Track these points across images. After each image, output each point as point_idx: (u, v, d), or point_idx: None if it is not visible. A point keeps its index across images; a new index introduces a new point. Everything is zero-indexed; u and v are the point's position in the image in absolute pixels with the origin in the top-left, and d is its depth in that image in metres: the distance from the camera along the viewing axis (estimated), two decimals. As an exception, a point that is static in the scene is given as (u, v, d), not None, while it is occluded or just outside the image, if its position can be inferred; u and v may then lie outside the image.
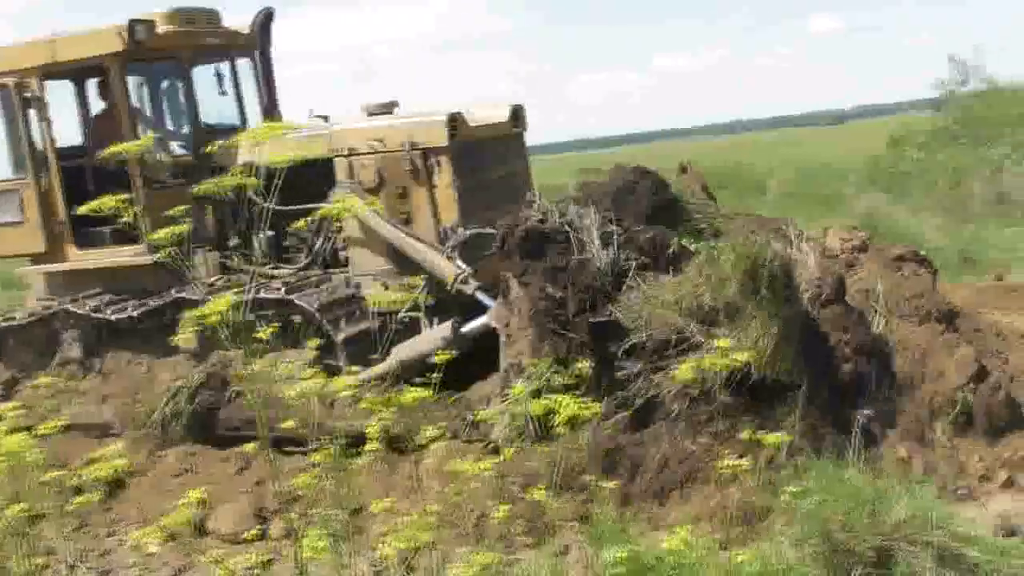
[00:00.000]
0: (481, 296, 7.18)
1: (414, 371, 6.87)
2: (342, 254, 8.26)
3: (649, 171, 7.59)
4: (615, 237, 6.69)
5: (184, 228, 4.21)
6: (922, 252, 7.63)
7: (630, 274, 6.55)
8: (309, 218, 6.61)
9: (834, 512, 3.87)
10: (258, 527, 5.90)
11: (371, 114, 8.34)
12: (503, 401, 6.19)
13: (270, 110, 9.70)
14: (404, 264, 7.68)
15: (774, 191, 20.43)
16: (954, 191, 18.02)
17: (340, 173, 8.01)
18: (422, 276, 7.31)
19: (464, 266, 7.34)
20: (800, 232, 7.38)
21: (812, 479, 4.19)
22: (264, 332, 4.52)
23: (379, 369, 6.99)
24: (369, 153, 7.95)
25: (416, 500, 5.66)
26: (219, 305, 3.65)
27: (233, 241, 8.61)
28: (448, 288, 7.27)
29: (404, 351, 7.06)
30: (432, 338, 7.03)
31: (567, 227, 6.73)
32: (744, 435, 4.88)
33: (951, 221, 15.34)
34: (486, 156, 8.17)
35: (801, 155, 27.39)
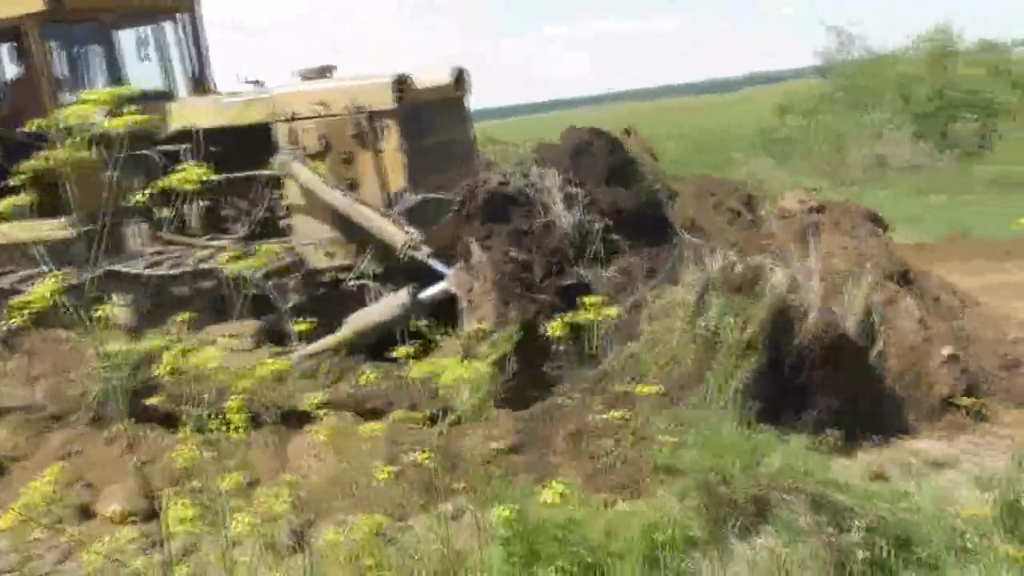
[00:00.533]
0: (433, 262, 7.01)
1: (370, 340, 6.83)
2: (283, 223, 7.92)
3: (603, 132, 7.42)
4: (578, 199, 6.58)
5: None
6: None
7: (595, 237, 6.46)
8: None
9: (713, 465, 3.98)
10: (145, 507, 5.79)
11: (306, 79, 8.03)
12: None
13: (199, 77, 9.20)
14: (350, 231, 7.47)
15: (665, 158, 20.79)
16: (835, 155, 18.60)
17: (281, 139, 7.66)
18: (370, 243, 7.23)
19: (414, 231, 7.13)
20: (758, 197, 7.70)
21: (691, 434, 4.28)
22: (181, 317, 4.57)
23: (332, 340, 6.83)
24: (312, 117, 7.63)
25: (304, 472, 5.67)
26: (42, 291, 3.45)
27: (164, 212, 8.13)
28: (398, 254, 7.08)
29: (359, 320, 6.92)
30: (389, 306, 6.86)
31: (530, 189, 6.57)
32: (619, 388, 4.99)
33: (831, 184, 15.84)
34: (431, 121, 7.89)
35: (696, 122, 27.86)
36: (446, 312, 6.58)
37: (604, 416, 5.12)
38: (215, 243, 7.90)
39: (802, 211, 7.56)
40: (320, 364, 6.68)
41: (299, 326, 6.42)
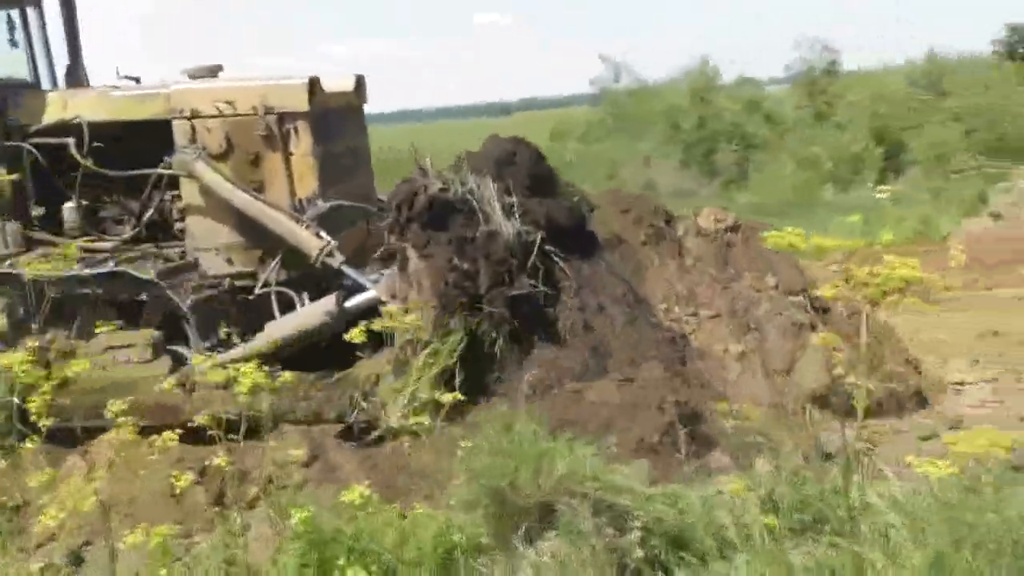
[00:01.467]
0: (348, 270, 6.80)
1: (290, 350, 6.52)
2: (178, 225, 7.47)
3: (526, 142, 7.32)
4: (515, 210, 6.44)
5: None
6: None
7: (534, 249, 6.34)
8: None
9: (503, 471, 4.11)
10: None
11: (195, 77, 7.60)
12: (397, 379, 5.90)
13: (73, 68, 8.48)
14: (254, 236, 7.10)
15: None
16: (609, 181, 19.45)
17: (180, 137, 7.24)
18: (277, 249, 6.96)
19: (329, 238, 6.84)
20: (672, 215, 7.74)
21: (483, 438, 4.40)
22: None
23: (250, 348, 6.44)
24: (216, 116, 7.23)
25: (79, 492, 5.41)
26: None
27: (37, 210, 7.59)
28: (312, 262, 6.76)
29: (281, 328, 6.60)
30: (314, 313, 6.57)
31: (470, 197, 6.37)
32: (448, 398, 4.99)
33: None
34: (338, 127, 7.66)
35: (472, 144, 28.24)
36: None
37: (404, 423, 5.10)
38: (99, 245, 7.39)
39: (717, 229, 7.74)
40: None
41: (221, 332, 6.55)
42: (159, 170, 7.27)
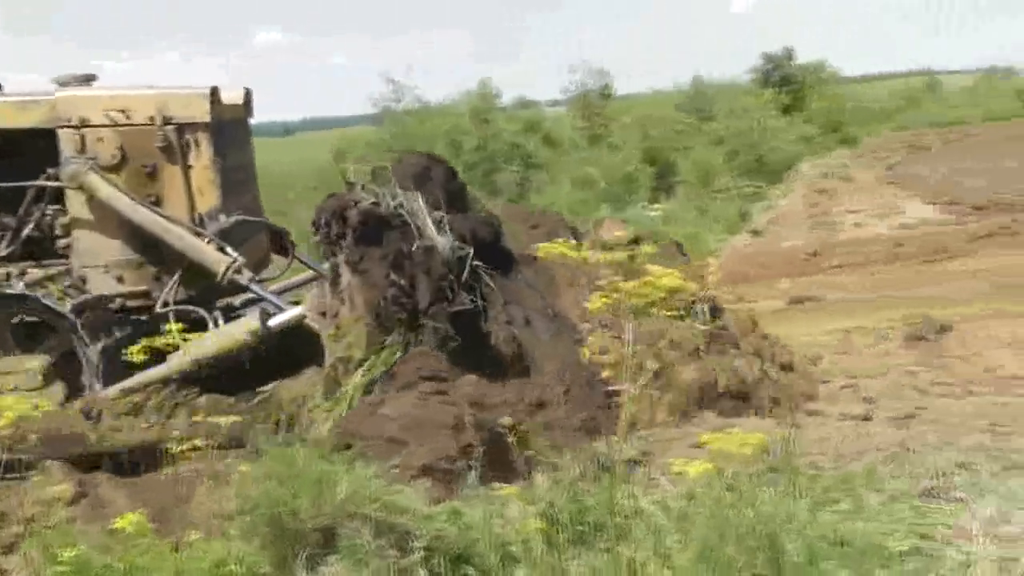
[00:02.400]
0: (257, 288, 6.54)
1: (209, 371, 6.23)
2: (61, 242, 6.88)
3: (439, 158, 7.22)
4: (445, 225, 6.18)
5: None
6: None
7: (467, 264, 6.10)
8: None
9: (282, 496, 4.02)
10: None
11: (65, 85, 7.01)
12: (327, 399, 5.68)
13: None
14: (151, 253, 6.68)
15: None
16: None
17: (67, 147, 6.70)
18: (175, 267, 6.59)
19: (236, 255, 6.51)
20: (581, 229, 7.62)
21: (264, 463, 4.28)
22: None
23: (160, 371, 6.11)
24: (108, 125, 6.72)
25: None
26: None
27: None
28: (218, 279, 6.43)
29: (199, 348, 6.20)
30: (235, 333, 6.22)
31: (402, 211, 6.06)
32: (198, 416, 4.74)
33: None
34: (231, 139, 7.21)
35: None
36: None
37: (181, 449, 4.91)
38: None
39: (619, 242, 7.78)
40: (151, 398, 5.92)
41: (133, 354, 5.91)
42: (46, 182, 6.78)
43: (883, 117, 32.42)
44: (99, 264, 6.76)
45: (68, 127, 6.74)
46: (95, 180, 6.62)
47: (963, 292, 10.46)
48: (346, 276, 5.98)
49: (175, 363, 6.20)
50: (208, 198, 6.84)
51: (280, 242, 7.71)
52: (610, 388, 4.99)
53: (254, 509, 4.06)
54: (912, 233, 14.92)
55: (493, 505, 4.36)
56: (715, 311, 7.25)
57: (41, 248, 6.90)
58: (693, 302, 7.29)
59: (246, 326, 6.25)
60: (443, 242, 6.05)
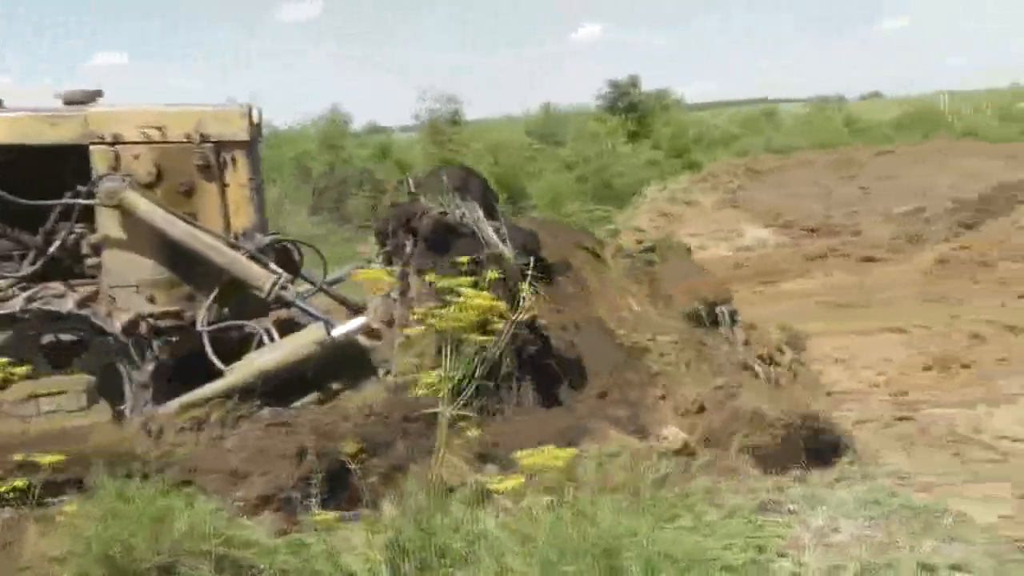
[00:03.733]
0: (304, 304, 6.53)
1: (274, 383, 6.14)
2: (89, 261, 6.58)
3: (474, 171, 7.18)
4: (504, 233, 6.19)
5: None
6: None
7: (528, 273, 5.81)
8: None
9: (117, 535, 3.87)
10: None
11: (70, 102, 6.69)
12: None
13: None
14: (187, 272, 6.54)
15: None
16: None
17: (100, 164, 6.46)
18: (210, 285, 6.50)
19: (280, 271, 6.45)
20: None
21: (97, 501, 4.11)
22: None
23: (224, 384, 6.02)
24: (143, 142, 6.52)
25: None
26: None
27: None
28: (265, 296, 6.36)
29: (265, 360, 6.16)
30: (302, 344, 6.18)
31: (466, 221, 6.09)
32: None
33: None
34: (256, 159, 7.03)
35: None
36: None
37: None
38: None
39: (637, 250, 7.88)
40: (211, 413, 5.77)
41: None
42: (78, 200, 6.50)
43: (724, 143, 33.51)
44: (130, 283, 6.56)
45: (101, 143, 6.55)
46: (134, 197, 6.44)
47: (798, 311, 10.91)
48: (415, 284, 5.99)
49: (237, 375, 6.12)
50: (244, 217, 6.73)
51: (286, 257, 7.43)
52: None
53: (87, 550, 3.89)
54: (750, 255, 15.49)
55: (337, 534, 4.32)
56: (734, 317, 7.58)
57: (61, 267, 6.61)
58: (714, 305, 7.66)
59: (311, 336, 6.24)
60: (506, 251, 6.17)
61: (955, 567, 3.86)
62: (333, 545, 4.11)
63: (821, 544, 4.05)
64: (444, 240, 6.08)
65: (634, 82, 35.04)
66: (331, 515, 4.10)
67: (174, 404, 6.01)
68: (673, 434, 5.24)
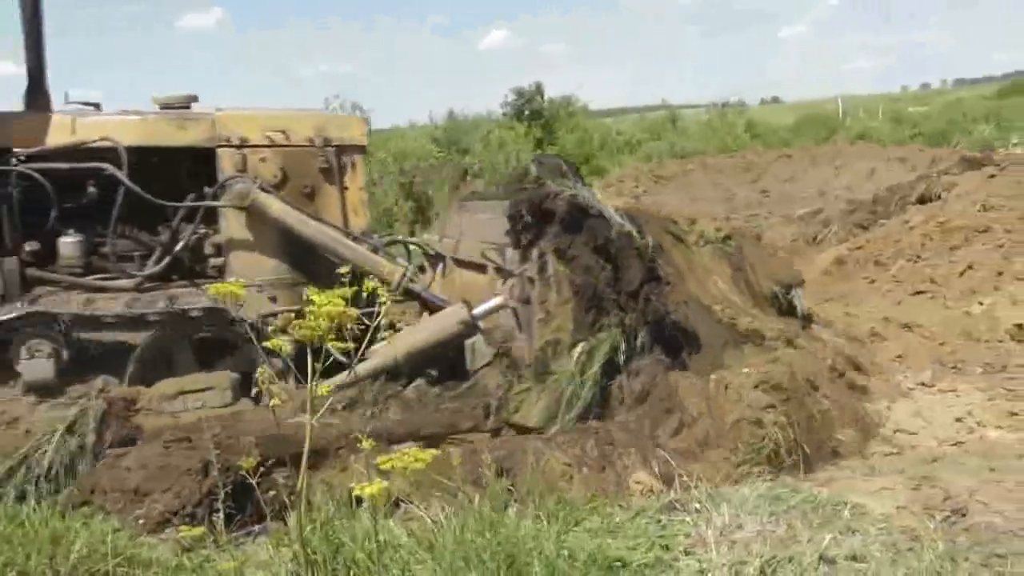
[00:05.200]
0: (431, 295, 7.02)
1: (420, 362, 6.44)
2: (212, 261, 6.77)
3: (567, 159, 7.38)
4: (623, 215, 6.51)
5: None
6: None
7: (649, 252, 6.45)
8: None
9: (11, 559, 3.75)
10: None
11: (165, 107, 6.84)
12: (539, 382, 5.93)
13: (34, 90, 6.91)
14: (303, 272, 6.74)
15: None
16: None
17: (227, 166, 6.66)
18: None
19: (407, 264, 6.98)
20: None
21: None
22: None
23: (372, 365, 6.17)
24: (269, 145, 6.74)
25: None
26: None
27: (32, 245, 6.43)
28: (393, 288, 6.47)
29: (408, 341, 6.41)
30: (445, 324, 6.47)
31: (592, 203, 6.36)
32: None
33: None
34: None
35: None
36: None
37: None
38: (115, 283, 6.46)
39: (718, 237, 8.04)
40: (362, 393, 5.99)
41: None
42: (207, 202, 6.67)
43: (629, 149, 34.01)
44: (253, 283, 6.57)
45: (228, 146, 6.70)
46: (266, 198, 6.63)
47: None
48: (552, 264, 6.22)
49: (383, 357, 6.28)
50: (361, 218, 7.08)
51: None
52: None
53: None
54: (656, 258, 15.65)
55: (246, 549, 4.26)
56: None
57: (180, 267, 6.76)
58: (790, 288, 8.08)
59: (455, 316, 6.49)
60: (632, 230, 6.48)
61: (853, 558, 3.97)
62: (239, 561, 4.05)
63: (726, 541, 4.13)
64: (577, 221, 6.30)
65: (539, 89, 35.31)
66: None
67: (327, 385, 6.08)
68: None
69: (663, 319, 6.35)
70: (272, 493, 4.47)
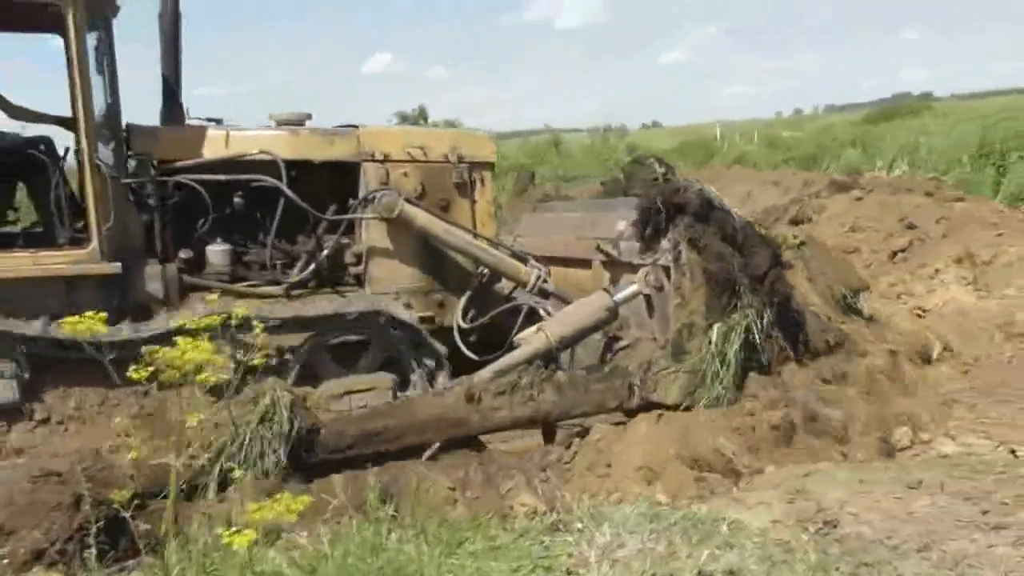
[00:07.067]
0: (563, 294, 7.32)
1: (569, 346, 6.91)
2: (352, 270, 7.23)
3: (664, 160, 7.92)
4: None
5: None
6: None
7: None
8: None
9: None
10: None
11: (281, 123, 7.18)
12: (677, 362, 6.38)
13: (171, 105, 7.02)
14: (437, 280, 7.41)
15: None
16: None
17: (372, 180, 7.19)
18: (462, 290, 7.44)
19: (541, 266, 7.41)
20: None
21: None
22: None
23: (527, 351, 6.64)
24: (408, 161, 7.31)
25: None
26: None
27: (186, 253, 6.72)
28: (529, 289, 7.34)
29: (559, 327, 6.76)
30: (592, 310, 6.84)
31: (713, 195, 6.84)
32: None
33: None
34: None
35: None
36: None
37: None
38: (264, 290, 6.82)
39: (794, 243, 8.42)
40: (519, 378, 6.24)
41: None
42: (361, 215, 7.18)
43: (514, 172, 34.21)
44: (391, 291, 7.15)
45: (373, 161, 7.19)
46: (412, 209, 7.12)
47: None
48: (685, 252, 6.60)
49: (538, 343, 6.69)
50: (489, 230, 7.68)
51: None
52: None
53: None
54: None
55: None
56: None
57: (320, 275, 7.10)
58: (857, 292, 8.60)
59: (601, 303, 6.85)
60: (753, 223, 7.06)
61: (730, 572, 4.06)
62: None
63: (607, 560, 4.17)
64: (705, 212, 6.73)
65: (423, 113, 35.37)
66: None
67: (486, 372, 6.53)
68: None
69: (787, 302, 6.92)
70: (147, 527, 4.33)
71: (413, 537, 3.93)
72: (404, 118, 34.93)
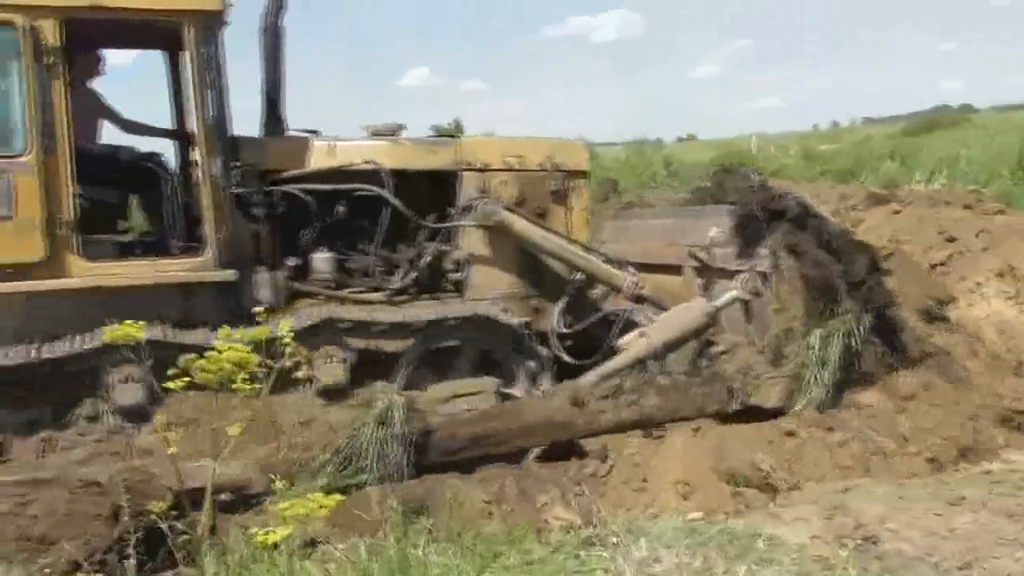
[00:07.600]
0: (658, 299, 7.36)
1: (673, 350, 6.94)
2: (451, 276, 7.37)
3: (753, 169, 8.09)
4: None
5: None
6: None
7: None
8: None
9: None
10: None
11: (375, 134, 7.41)
12: (776, 366, 6.46)
13: (273, 117, 7.24)
14: (533, 285, 7.53)
15: None
16: None
17: (471, 188, 7.38)
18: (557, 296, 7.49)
19: (635, 271, 7.44)
20: None
21: None
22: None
23: (631, 355, 6.75)
24: (506, 170, 7.48)
25: None
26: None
27: (293, 260, 6.93)
28: (625, 294, 7.40)
29: (663, 332, 6.85)
30: (694, 314, 6.93)
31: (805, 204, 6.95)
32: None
33: None
34: None
35: None
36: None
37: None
38: (367, 296, 7.01)
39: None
40: (623, 382, 6.37)
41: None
42: (463, 223, 7.32)
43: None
44: (488, 297, 7.28)
45: (472, 170, 7.39)
46: (511, 216, 7.28)
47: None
48: (784, 258, 6.69)
49: (641, 348, 6.79)
50: (582, 238, 7.78)
51: None
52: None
53: None
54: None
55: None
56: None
57: (417, 282, 7.25)
58: (942, 303, 8.83)
59: (701, 308, 6.95)
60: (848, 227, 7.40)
61: (767, 588, 4.02)
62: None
63: (643, 575, 4.14)
64: (804, 220, 6.87)
65: (459, 126, 35.38)
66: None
67: (592, 376, 6.66)
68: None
69: (885, 309, 6.88)
70: (185, 537, 4.37)
71: (448, 550, 3.93)
72: (440, 131, 34.94)
